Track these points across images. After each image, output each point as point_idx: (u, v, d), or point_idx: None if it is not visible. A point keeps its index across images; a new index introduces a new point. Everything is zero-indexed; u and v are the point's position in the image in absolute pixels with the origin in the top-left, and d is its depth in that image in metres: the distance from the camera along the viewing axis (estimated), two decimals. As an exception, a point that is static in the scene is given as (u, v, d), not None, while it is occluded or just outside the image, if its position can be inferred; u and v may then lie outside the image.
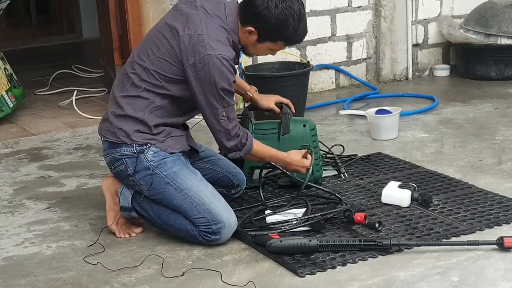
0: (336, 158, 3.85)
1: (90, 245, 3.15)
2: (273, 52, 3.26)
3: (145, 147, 3.11)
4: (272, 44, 3.19)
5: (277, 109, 3.56)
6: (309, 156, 3.35)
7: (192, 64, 3.04)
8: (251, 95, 3.57)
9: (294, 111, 3.60)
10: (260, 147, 3.25)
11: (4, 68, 5.15)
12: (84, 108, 5.26)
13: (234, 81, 3.13)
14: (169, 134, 3.16)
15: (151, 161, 3.10)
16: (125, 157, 3.13)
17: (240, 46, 3.21)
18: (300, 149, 3.51)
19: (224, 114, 3.07)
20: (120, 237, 3.22)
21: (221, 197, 3.15)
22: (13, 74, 5.28)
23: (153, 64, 3.12)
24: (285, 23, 3.11)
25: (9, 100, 5.02)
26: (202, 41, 3.03)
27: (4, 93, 4.99)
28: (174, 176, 3.10)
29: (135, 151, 3.11)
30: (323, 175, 3.74)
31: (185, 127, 3.34)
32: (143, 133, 3.12)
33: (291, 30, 3.14)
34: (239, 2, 3.21)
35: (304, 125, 3.57)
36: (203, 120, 3.16)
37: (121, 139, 3.13)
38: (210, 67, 3.01)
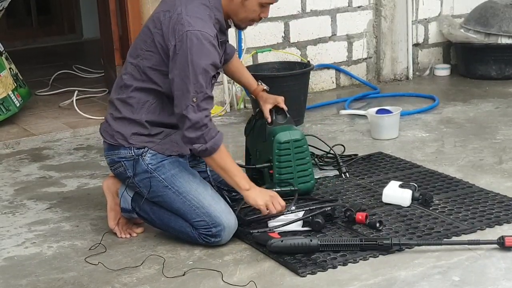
0: (338, 157, 3.84)
1: (92, 248, 3.14)
2: (264, 9, 3.10)
3: (142, 150, 3.10)
4: None
5: (268, 118, 3.42)
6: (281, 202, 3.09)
7: (173, 45, 2.97)
8: (254, 97, 3.55)
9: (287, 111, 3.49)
10: (226, 156, 3.04)
11: (9, 68, 5.16)
12: (84, 108, 5.26)
13: (219, 64, 3.04)
14: (167, 135, 3.14)
15: (149, 164, 3.09)
16: (123, 159, 3.12)
17: (231, 23, 3.13)
18: (267, 161, 3.41)
19: (194, 100, 2.93)
20: (121, 237, 3.22)
21: (221, 199, 3.12)
22: (18, 74, 5.29)
23: (143, 59, 3.08)
24: None
25: (15, 99, 5.03)
26: (181, 19, 2.96)
27: (10, 92, 4.99)
28: (172, 179, 3.08)
29: (133, 154, 3.10)
30: (325, 175, 3.74)
31: None
32: (141, 136, 3.11)
33: None
34: None
35: (273, 137, 3.37)
36: None
37: (118, 142, 3.12)
38: (188, 45, 2.92)
